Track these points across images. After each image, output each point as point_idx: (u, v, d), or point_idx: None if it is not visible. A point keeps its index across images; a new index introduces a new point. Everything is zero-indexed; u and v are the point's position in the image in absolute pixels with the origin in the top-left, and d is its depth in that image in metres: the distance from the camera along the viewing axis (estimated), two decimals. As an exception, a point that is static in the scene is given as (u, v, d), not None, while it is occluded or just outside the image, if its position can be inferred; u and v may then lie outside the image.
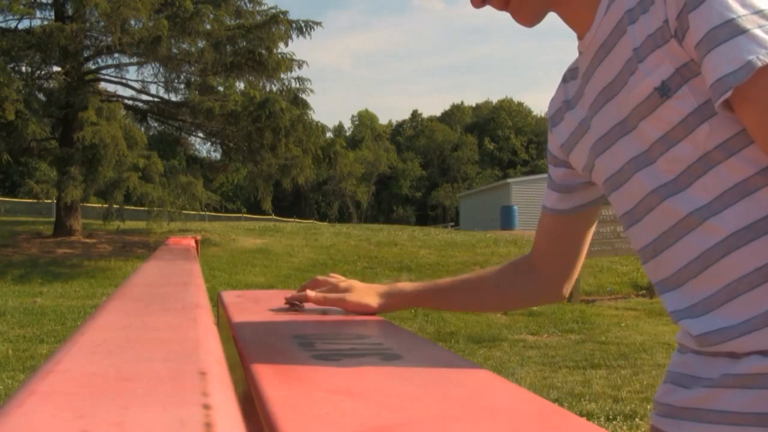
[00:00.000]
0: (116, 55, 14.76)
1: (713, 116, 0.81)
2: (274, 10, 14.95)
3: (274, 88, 15.25)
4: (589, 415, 4.29)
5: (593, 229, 1.16)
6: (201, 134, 16.37)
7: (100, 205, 18.04)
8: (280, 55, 14.62)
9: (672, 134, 0.84)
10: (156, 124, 16.95)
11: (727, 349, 0.84)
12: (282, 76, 15.04)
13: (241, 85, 15.77)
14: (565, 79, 1.08)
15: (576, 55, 1.03)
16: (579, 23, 0.95)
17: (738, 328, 0.82)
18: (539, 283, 1.19)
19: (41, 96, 14.21)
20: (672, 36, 0.81)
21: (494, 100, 70.07)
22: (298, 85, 15.45)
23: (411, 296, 1.15)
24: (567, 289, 1.19)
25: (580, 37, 0.97)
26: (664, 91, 0.83)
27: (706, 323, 0.85)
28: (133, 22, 13.29)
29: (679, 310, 0.89)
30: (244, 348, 0.77)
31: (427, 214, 59.16)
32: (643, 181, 0.89)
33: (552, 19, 0.98)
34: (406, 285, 1.16)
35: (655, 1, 0.82)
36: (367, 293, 1.11)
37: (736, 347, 0.83)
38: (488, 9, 0.95)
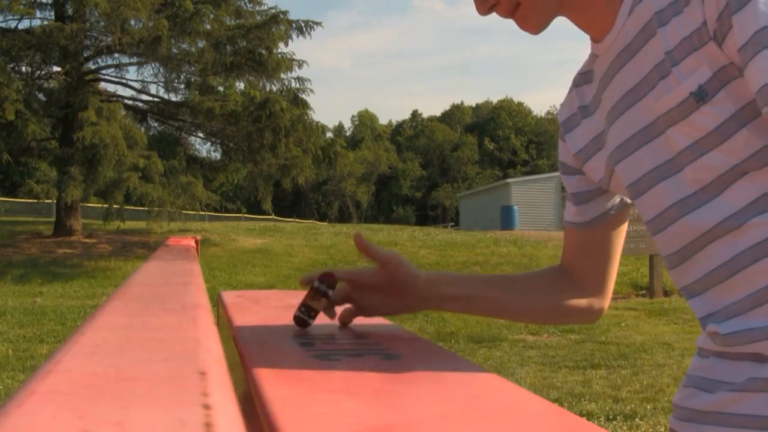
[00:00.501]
0: (116, 55, 14.79)
1: (751, 122, 0.78)
2: (274, 10, 14.98)
3: (274, 88, 15.27)
4: (589, 415, 4.29)
5: (624, 233, 1.08)
6: (201, 134, 16.39)
7: (100, 205, 18.05)
8: (280, 55, 14.63)
9: (703, 142, 0.81)
10: (156, 124, 16.97)
11: (753, 350, 0.83)
12: (282, 76, 15.06)
13: (241, 85, 15.80)
14: (577, 84, 1.03)
15: (584, 57, 1.01)
16: (596, 26, 0.92)
17: (767, 330, 0.81)
18: (582, 296, 1.08)
19: (41, 96, 14.22)
20: (711, 38, 0.78)
21: (494, 100, 70.12)
22: (298, 85, 15.48)
23: (455, 299, 1.03)
24: (606, 304, 1.10)
25: (595, 40, 0.93)
26: (701, 96, 0.80)
27: (734, 324, 0.84)
28: (133, 22, 13.30)
29: (707, 315, 0.88)
30: (244, 348, 0.77)
31: (427, 214, 59.17)
32: (665, 192, 0.87)
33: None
34: (440, 282, 1.04)
35: (691, 2, 0.79)
36: (405, 294, 1.00)
37: (763, 349, 0.82)
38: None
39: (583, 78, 1.02)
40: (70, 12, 13.93)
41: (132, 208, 16.91)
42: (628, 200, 1.05)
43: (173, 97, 15.65)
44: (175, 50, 14.21)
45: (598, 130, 0.98)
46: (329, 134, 18.77)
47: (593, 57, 0.96)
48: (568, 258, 1.10)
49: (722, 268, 0.84)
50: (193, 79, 15.42)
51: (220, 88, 16.26)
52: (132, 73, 65.58)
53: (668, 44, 0.82)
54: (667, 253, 0.91)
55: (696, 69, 0.79)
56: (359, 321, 1.02)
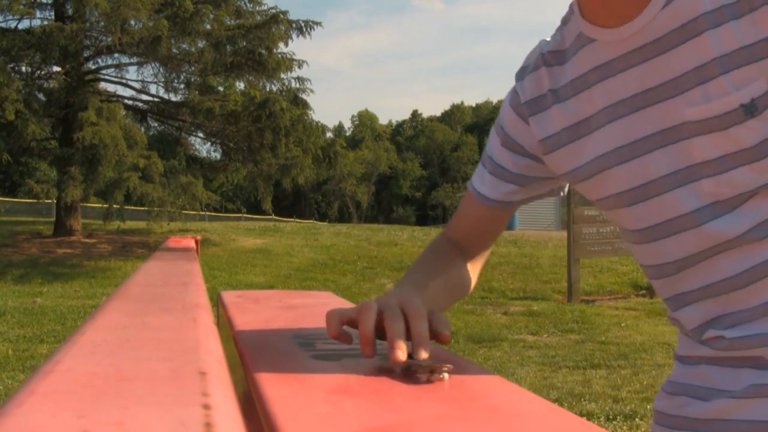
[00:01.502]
0: (116, 55, 14.79)
1: None
2: (274, 10, 14.98)
3: (274, 88, 15.27)
4: (589, 415, 4.28)
5: None
6: (201, 134, 16.39)
7: (100, 205, 18.07)
8: (280, 55, 14.63)
9: (735, 157, 0.76)
10: (156, 124, 16.97)
11: (758, 354, 0.82)
12: (282, 76, 15.06)
13: (241, 85, 15.81)
14: (548, 63, 0.93)
15: (549, 33, 0.95)
16: (616, 11, 0.83)
17: None
18: (468, 271, 1.03)
19: (41, 96, 14.22)
20: None
21: (494, 100, 70.25)
22: (298, 85, 15.48)
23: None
24: (476, 281, 1.07)
25: (605, 25, 0.84)
26: (751, 109, 0.74)
27: (744, 329, 0.82)
28: (133, 22, 13.30)
29: (705, 323, 0.86)
30: (244, 348, 0.77)
31: (427, 214, 59.17)
32: (677, 200, 0.82)
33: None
34: (427, 289, 0.86)
35: (759, 9, 0.72)
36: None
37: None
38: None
39: (554, 58, 0.93)
40: (70, 12, 13.93)
41: (132, 208, 16.92)
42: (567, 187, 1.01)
43: (173, 97, 15.66)
44: (175, 50, 14.21)
45: (575, 120, 0.90)
46: (329, 134, 18.75)
47: (584, 39, 0.87)
48: (469, 232, 1.05)
49: (737, 278, 0.82)
50: (193, 79, 15.42)
51: (220, 88, 16.27)
52: (132, 73, 65.62)
53: (720, 49, 0.75)
54: (659, 262, 0.88)
55: (752, 80, 0.74)
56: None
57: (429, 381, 0.62)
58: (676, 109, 0.79)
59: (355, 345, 0.82)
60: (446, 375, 0.63)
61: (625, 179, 0.86)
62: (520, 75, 0.98)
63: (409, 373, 0.65)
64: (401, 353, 0.65)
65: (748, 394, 0.82)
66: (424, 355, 0.66)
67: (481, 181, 1.02)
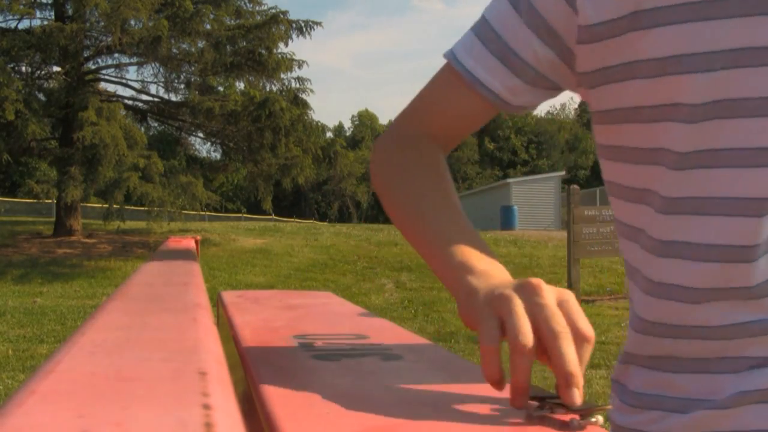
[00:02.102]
0: (116, 55, 14.79)
1: None
2: (274, 10, 14.99)
3: (274, 88, 15.27)
4: (589, 415, 4.28)
5: None
6: (201, 134, 16.39)
7: (100, 205, 18.08)
8: (280, 55, 14.64)
9: None
10: (156, 124, 16.98)
11: (739, 354, 0.73)
12: (282, 76, 15.06)
13: (241, 85, 15.81)
14: None
15: None
16: None
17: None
18: None
19: (41, 96, 14.22)
20: None
21: (494, 100, 70.01)
22: (298, 85, 15.48)
23: None
24: None
25: None
26: None
27: (740, 313, 0.71)
28: (133, 22, 13.31)
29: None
30: (244, 348, 0.77)
31: (427, 214, 59.10)
32: (753, 129, 0.67)
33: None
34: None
35: None
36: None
37: (759, 346, 0.71)
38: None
39: None
40: (70, 12, 13.94)
41: (132, 208, 16.93)
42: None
43: (173, 97, 15.67)
44: (175, 50, 14.21)
45: (642, 6, 0.70)
46: (329, 134, 18.78)
47: None
48: (451, 126, 0.86)
49: (754, 248, 0.69)
50: (193, 79, 15.43)
51: (220, 88, 16.28)
52: (132, 73, 65.63)
53: None
54: (698, 195, 0.71)
55: None
56: (359, 321, 1.01)
57: (580, 427, 0.50)
58: None
59: (356, 345, 0.82)
60: (600, 417, 0.52)
61: (707, 90, 0.68)
62: None
63: (540, 412, 0.54)
64: (579, 396, 0.53)
65: (734, 403, 0.73)
66: (579, 399, 0.53)
67: (483, 66, 0.79)
